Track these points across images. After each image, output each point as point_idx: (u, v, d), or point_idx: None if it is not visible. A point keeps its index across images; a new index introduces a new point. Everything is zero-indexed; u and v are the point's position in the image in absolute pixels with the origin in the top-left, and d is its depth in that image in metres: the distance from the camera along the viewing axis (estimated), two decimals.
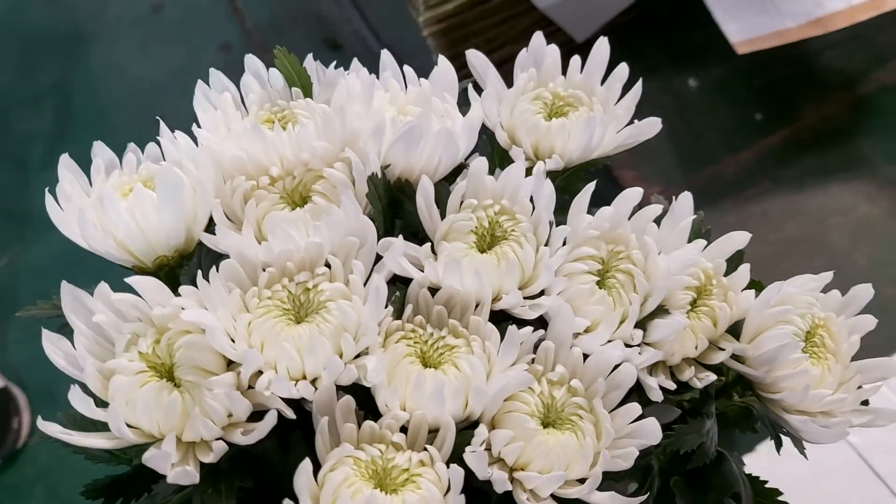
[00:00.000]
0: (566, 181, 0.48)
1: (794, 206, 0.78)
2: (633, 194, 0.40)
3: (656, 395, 0.38)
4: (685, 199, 0.41)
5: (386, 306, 0.36)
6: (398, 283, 0.39)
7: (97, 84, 1.16)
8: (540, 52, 0.47)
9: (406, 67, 0.46)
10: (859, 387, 0.39)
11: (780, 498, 0.42)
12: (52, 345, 0.35)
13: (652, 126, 0.45)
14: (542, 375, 0.37)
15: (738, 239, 0.41)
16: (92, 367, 0.34)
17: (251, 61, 0.44)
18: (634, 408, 0.36)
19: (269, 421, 0.33)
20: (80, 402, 0.33)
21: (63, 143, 1.12)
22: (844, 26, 0.79)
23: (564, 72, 0.47)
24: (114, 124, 1.12)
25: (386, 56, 0.47)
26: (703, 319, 0.40)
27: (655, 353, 0.38)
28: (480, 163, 0.40)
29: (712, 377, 0.39)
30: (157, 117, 0.41)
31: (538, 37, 0.48)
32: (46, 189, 0.37)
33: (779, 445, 0.41)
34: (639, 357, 0.38)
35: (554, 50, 0.47)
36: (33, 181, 1.12)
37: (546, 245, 0.40)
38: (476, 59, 0.47)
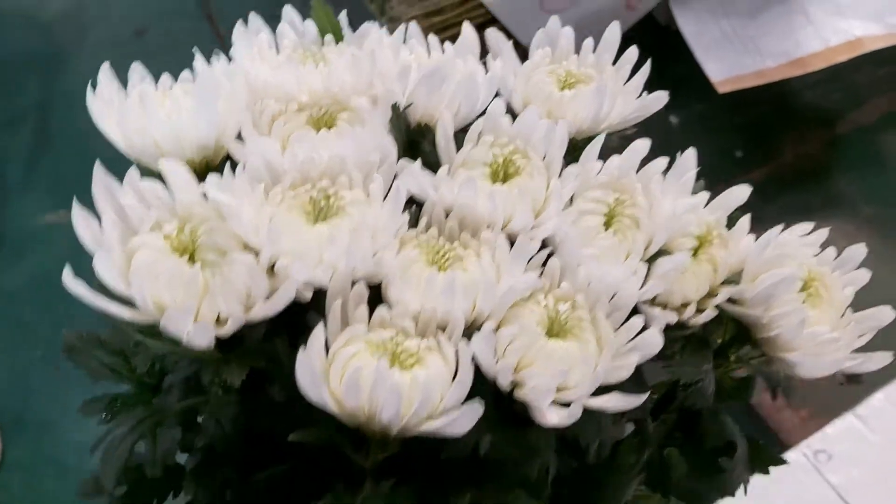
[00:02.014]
0: (572, 156, 0.51)
1: None
2: (640, 146, 0.43)
3: (659, 324, 0.39)
4: (689, 154, 0.43)
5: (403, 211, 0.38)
6: (413, 207, 0.41)
7: (77, 106, 1.11)
8: (555, 33, 0.50)
9: (430, 37, 0.50)
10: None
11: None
12: (82, 220, 0.36)
13: (658, 100, 0.47)
14: (548, 291, 0.38)
15: (739, 194, 0.43)
16: (117, 242, 0.35)
17: (288, 12, 0.47)
18: (636, 322, 0.37)
19: (289, 290, 0.34)
20: (105, 269, 0.34)
21: (41, 165, 1.10)
22: (823, 67, 0.83)
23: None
24: (93, 147, 1.09)
25: (413, 27, 0.50)
26: (703, 265, 0.41)
27: (658, 284, 0.39)
28: (498, 104, 0.43)
29: (712, 313, 0.40)
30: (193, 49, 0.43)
31: (554, 20, 0.51)
32: (89, 84, 0.39)
33: (774, 397, 0.42)
34: (642, 285, 0.39)
35: (569, 31, 0.50)
36: (10, 204, 1.12)
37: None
38: (494, 36, 0.50)
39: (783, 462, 0.45)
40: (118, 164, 0.39)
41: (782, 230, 0.41)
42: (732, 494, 0.45)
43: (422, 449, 0.35)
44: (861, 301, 0.41)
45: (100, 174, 0.37)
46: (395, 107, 0.42)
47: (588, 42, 0.50)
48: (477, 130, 0.42)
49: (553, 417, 0.35)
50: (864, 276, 0.42)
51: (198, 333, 0.33)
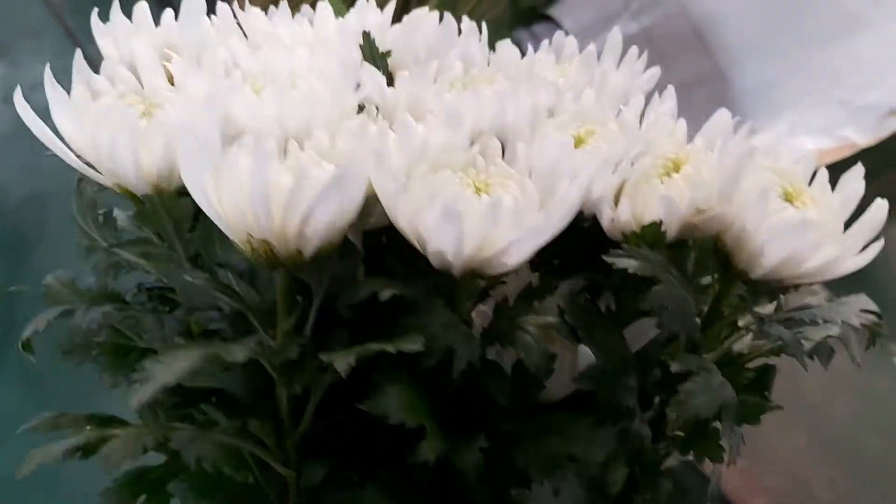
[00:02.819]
0: None
1: None
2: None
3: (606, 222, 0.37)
4: (670, 91, 0.43)
5: None
6: None
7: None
8: None
9: None
10: None
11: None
12: (53, 89, 0.38)
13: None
14: None
15: (722, 118, 0.41)
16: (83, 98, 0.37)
17: None
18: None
19: None
20: (63, 114, 0.36)
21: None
22: None
23: None
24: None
25: None
26: (682, 180, 0.39)
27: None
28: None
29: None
30: None
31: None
32: None
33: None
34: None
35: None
36: None
37: None
38: None
39: None
40: None
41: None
42: None
43: None
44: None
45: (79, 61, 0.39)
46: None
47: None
48: None
49: None
50: (859, 189, 0.38)
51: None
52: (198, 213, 0.39)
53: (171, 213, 0.37)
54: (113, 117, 0.35)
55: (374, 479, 0.38)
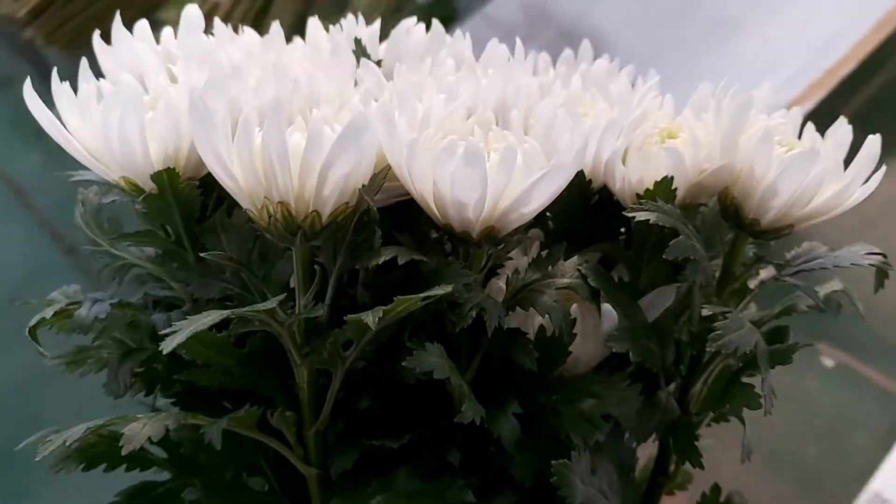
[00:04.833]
0: None
1: None
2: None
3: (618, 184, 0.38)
4: (652, 74, 0.44)
5: None
6: None
7: None
8: None
9: None
10: None
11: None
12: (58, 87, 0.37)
13: None
14: None
15: (705, 90, 0.42)
16: (90, 87, 0.37)
17: None
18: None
19: None
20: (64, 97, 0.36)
21: None
22: None
23: None
24: None
25: None
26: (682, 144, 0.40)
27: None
28: None
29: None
30: None
31: None
32: None
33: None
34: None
35: None
36: None
37: None
38: None
39: None
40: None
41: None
42: None
43: None
44: None
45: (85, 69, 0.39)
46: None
47: None
48: None
49: None
50: (847, 133, 0.39)
51: None
52: (206, 207, 0.39)
53: (180, 199, 0.37)
54: (121, 99, 0.35)
55: (405, 462, 0.36)
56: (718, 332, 0.34)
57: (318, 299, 0.35)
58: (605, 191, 0.41)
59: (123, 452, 0.31)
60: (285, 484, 0.38)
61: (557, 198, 0.35)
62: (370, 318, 0.31)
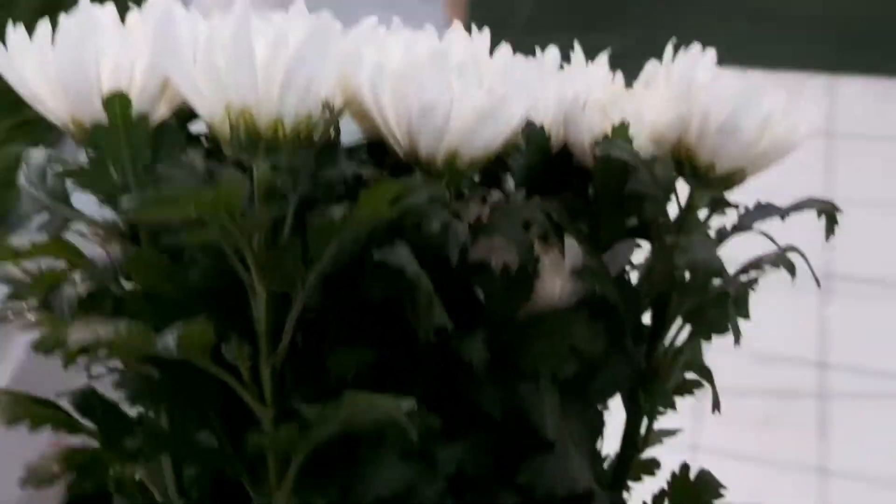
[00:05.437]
0: None
1: None
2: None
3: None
4: (602, 57, 0.46)
5: None
6: None
7: None
8: None
9: None
10: None
11: None
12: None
13: None
14: None
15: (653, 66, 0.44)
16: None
17: None
18: None
19: None
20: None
21: None
22: None
23: None
24: None
25: None
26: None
27: None
28: None
29: None
30: None
31: None
32: None
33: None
34: None
35: None
36: None
37: None
38: None
39: None
40: None
41: None
42: None
43: None
44: None
45: None
46: None
47: None
48: None
49: None
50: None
51: None
52: (157, 150, 0.38)
53: (131, 134, 0.35)
54: (78, 26, 0.34)
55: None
56: (682, 245, 0.34)
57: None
58: (566, 150, 0.42)
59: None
60: (235, 437, 0.36)
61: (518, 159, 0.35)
62: (336, 211, 0.30)
